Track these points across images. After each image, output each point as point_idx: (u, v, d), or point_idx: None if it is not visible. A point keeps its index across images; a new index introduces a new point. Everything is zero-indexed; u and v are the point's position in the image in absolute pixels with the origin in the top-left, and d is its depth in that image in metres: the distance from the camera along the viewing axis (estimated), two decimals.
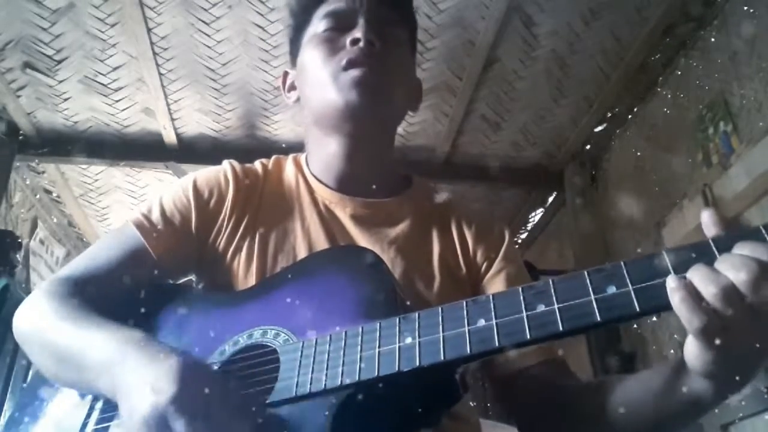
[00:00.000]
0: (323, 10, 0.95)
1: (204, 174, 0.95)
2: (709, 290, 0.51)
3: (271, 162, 1.01)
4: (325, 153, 0.95)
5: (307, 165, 0.99)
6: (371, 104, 0.88)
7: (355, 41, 0.89)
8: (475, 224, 0.95)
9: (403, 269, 0.87)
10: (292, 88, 1.04)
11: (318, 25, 0.95)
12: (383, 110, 0.92)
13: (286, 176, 0.98)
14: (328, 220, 0.91)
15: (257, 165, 1.00)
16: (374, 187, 0.94)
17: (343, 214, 0.92)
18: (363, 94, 0.87)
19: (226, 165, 0.97)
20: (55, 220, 3.59)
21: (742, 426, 1.99)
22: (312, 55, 0.93)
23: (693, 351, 0.55)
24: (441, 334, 0.60)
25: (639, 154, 2.79)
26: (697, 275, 0.52)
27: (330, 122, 0.92)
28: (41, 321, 0.80)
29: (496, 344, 0.57)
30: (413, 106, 1.04)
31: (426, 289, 0.86)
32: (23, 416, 0.83)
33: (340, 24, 0.93)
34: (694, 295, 0.52)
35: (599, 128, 2.99)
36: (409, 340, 0.61)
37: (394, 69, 0.93)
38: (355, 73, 0.87)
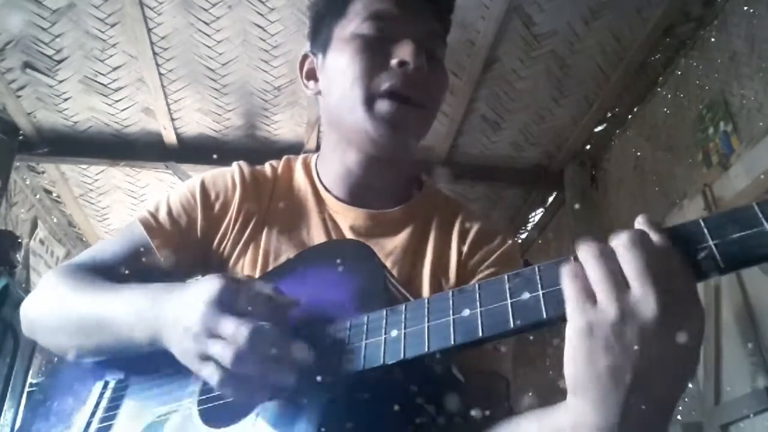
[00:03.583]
0: (367, 7, 0.85)
1: (212, 176, 0.94)
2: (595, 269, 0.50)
3: (281, 165, 0.98)
4: (339, 161, 0.91)
5: (317, 170, 0.96)
6: (404, 140, 0.84)
7: (402, 63, 0.81)
8: (478, 232, 0.91)
9: (396, 280, 0.86)
10: (312, 77, 0.94)
11: (359, 24, 0.85)
12: (414, 143, 0.87)
13: (295, 181, 0.96)
14: (330, 230, 0.90)
15: (267, 168, 0.97)
16: (382, 196, 0.92)
17: (344, 225, 0.90)
18: (396, 131, 0.82)
19: (235, 168, 0.95)
20: (55, 220, 3.60)
21: (742, 426, 1.99)
22: (348, 61, 0.84)
23: (566, 349, 0.51)
24: (426, 324, 0.59)
25: (639, 154, 2.79)
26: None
27: (353, 138, 0.87)
28: (58, 298, 0.81)
29: (480, 334, 0.55)
30: None
31: None
32: (31, 415, 0.84)
33: (386, 31, 0.84)
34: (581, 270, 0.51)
35: (599, 128, 3.00)
36: (395, 332, 0.60)
37: (436, 95, 0.87)
38: (392, 105, 0.81)
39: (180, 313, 0.66)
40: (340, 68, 0.85)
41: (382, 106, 0.81)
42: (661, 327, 0.47)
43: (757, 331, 2.00)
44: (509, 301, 0.55)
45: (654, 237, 0.50)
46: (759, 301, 2.00)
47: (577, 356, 0.50)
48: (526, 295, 0.54)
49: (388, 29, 0.84)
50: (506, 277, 0.57)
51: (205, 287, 0.65)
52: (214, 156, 2.88)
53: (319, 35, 0.91)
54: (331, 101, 0.88)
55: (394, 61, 0.82)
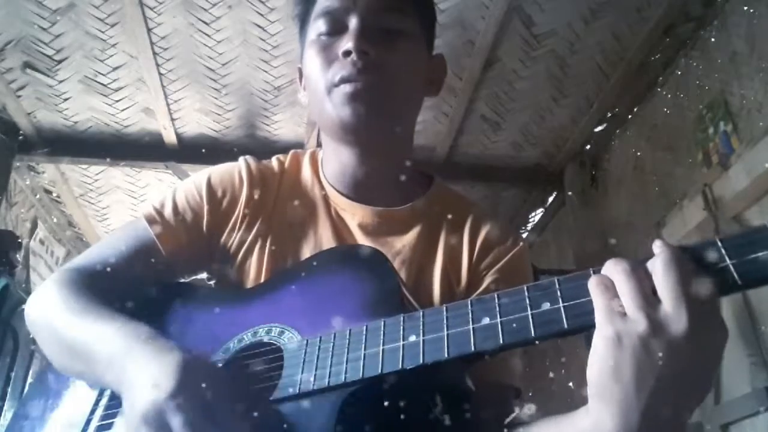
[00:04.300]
0: (318, 7, 0.90)
1: (219, 171, 0.93)
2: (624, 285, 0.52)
3: (288, 159, 0.98)
4: (337, 159, 0.92)
5: (322, 166, 0.96)
6: (368, 119, 0.84)
7: (346, 53, 0.84)
8: (489, 233, 0.90)
9: (405, 281, 0.84)
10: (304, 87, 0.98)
11: (314, 26, 0.90)
12: (383, 122, 0.87)
13: (302, 176, 0.96)
14: (339, 227, 0.90)
15: (274, 162, 0.97)
16: (388, 193, 0.92)
17: (353, 223, 0.90)
18: (357, 109, 0.83)
19: (242, 163, 0.94)
20: (55, 220, 3.59)
21: (742, 426, 1.99)
22: (310, 63, 0.89)
23: (591, 356, 0.53)
24: (445, 332, 0.60)
25: (639, 154, 2.79)
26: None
27: (334, 134, 0.89)
28: (52, 312, 0.81)
29: (501, 342, 0.57)
30: (432, 91, 0.97)
31: (426, 304, 0.83)
32: (28, 412, 0.84)
33: (334, 26, 0.87)
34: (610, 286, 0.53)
35: (599, 128, 3.00)
36: (413, 338, 0.61)
37: (396, 73, 0.86)
38: (347, 88, 0.83)
39: (138, 382, 0.64)
40: (307, 72, 0.90)
41: (338, 91, 0.84)
42: (688, 342, 0.50)
43: (757, 331, 2.00)
44: (530, 312, 0.57)
45: (683, 257, 0.52)
46: (759, 301, 2.00)
47: (603, 365, 0.52)
48: (546, 306, 0.56)
49: (337, 24, 0.88)
50: (525, 287, 0.58)
51: (171, 367, 0.63)
52: (210, 155, 2.88)
53: (301, 46, 0.96)
54: (310, 103, 0.92)
55: (339, 54, 0.85)
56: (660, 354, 0.50)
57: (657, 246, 0.53)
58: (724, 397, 2.07)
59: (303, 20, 0.94)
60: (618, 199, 2.94)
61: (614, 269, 0.54)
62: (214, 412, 0.61)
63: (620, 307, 0.52)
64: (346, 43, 0.84)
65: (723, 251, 0.51)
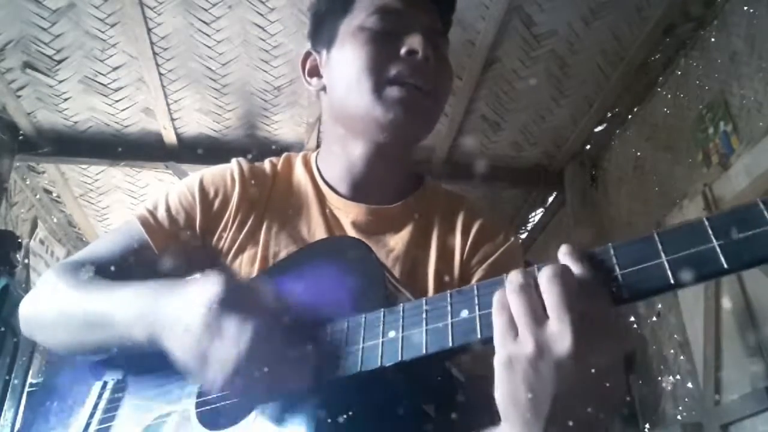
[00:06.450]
0: (373, 2, 0.87)
1: (211, 173, 0.93)
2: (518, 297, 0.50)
3: (281, 161, 0.98)
4: (343, 154, 0.91)
5: (318, 166, 0.96)
6: (413, 125, 0.85)
7: (411, 53, 0.83)
8: (481, 228, 0.91)
9: (399, 278, 0.84)
10: (316, 73, 0.95)
11: (366, 18, 0.86)
12: (424, 130, 0.89)
13: (295, 178, 0.96)
14: (332, 226, 0.90)
15: (266, 164, 0.97)
16: (384, 191, 0.92)
17: (346, 221, 0.90)
18: (407, 114, 0.83)
19: (234, 164, 0.94)
20: (55, 220, 3.60)
21: (742, 426, 1.99)
22: (356, 53, 0.85)
23: (495, 379, 0.52)
24: (424, 327, 0.58)
25: (639, 154, 2.79)
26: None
27: (360, 129, 0.88)
28: (58, 295, 0.81)
29: (479, 336, 0.55)
30: None
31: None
32: (29, 416, 0.84)
33: (393, 25, 0.85)
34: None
35: (599, 128, 3.00)
36: (392, 333, 0.59)
37: (443, 86, 0.89)
38: (402, 91, 0.83)
39: (180, 313, 0.65)
40: (348, 60, 0.86)
41: (392, 91, 0.83)
42: (576, 360, 0.48)
43: (757, 331, 2.00)
44: None
45: (576, 269, 0.51)
46: (759, 301, 2.00)
47: (501, 387, 0.51)
48: None
49: (395, 23, 0.86)
50: (505, 277, 0.56)
51: (206, 286, 0.64)
52: (211, 154, 2.88)
53: (323, 32, 0.93)
54: (337, 94, 0.89)
55: (403, 50, 0.83)
56: (550, 375, 0.48)
57: (560, 252, 0.52)
58: (724, 397, 2.07)
59: (337, 9, 0.91)
60: (618, 199, 2.94)
61: (509, 286, 0.52)
62: (261, 307, 0.62)
63: (513, 328, 0.50)
64: (413, 42, 0.83)
65: (614, 260, 0.49)
